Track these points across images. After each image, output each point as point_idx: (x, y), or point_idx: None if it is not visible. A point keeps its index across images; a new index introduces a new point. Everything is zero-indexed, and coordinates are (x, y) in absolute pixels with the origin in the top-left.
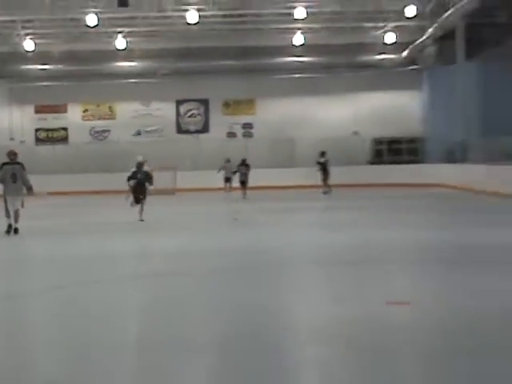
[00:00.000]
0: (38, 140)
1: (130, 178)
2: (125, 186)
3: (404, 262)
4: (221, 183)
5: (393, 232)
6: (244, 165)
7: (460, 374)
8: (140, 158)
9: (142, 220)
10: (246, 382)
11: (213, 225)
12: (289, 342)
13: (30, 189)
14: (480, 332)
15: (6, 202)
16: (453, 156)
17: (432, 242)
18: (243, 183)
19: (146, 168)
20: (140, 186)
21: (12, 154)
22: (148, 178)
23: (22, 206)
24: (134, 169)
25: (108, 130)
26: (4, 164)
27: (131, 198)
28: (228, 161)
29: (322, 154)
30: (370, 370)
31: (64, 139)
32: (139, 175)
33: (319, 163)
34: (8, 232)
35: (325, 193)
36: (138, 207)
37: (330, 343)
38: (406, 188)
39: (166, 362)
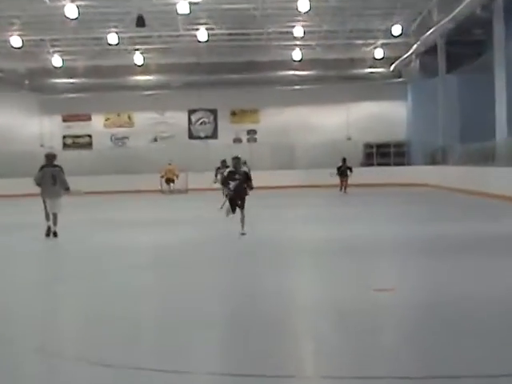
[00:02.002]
0: (65, 146)
1: (226, 181)
2: (145, 185)
3: (390, 252)
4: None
5: (381, 225)
6: (225, 167)
7: (435, 346)
8: (239, 156)
9: (244, 233)
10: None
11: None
12: (290, 315)
13: (67, 189)
14: (459, 310)
15: (45, 204)
16: (434, 159)
17: (415, 234)
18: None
19: (245, 168)
20: (239, 191)
21: (51, 157)
22: (248, 180)
23: (59, 210)
24: (230, 168)
25: (127, 137)
26: (43, 166)
27: (227, 205)
28: (224, 165)
29: (343, 160)
30: (356, 336)
31: (88, 145)
32: (237, 176)
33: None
34: (47, 235)
35: (345, 192)
36: (231, 215)
37: (323, 316)
38: (394, 187)
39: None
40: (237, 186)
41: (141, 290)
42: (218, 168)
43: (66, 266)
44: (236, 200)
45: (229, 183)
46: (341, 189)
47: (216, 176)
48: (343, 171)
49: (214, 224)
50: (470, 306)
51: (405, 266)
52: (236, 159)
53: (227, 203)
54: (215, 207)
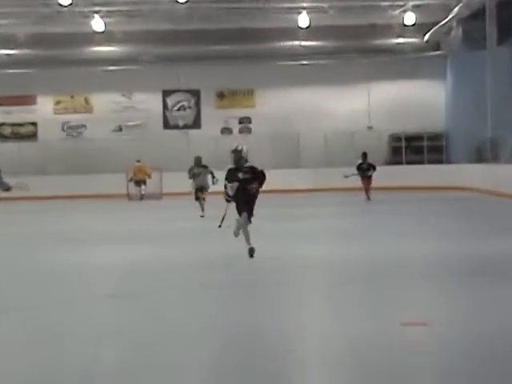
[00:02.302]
0: (2, 136)
1: (227, 182)
2: (108, 188)
3: (423, 277)
4: (212, 186)
5: (412, 242)
6: (201, 166)
7: None
8: (240, 147)
9: (252, 252)
10: None
11: (205, 234)
12: (296, 364)
13: (8, 189)
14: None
15: None
16: (481, 155)
17: (456, 254)
18: (201, 189)
19: (250, 163)
20: (245, 192)
21: None
22: (259, 175)
23: None
24: (230, 165)
25: (83, 126)
26: None
27: (238, 220)
28: (198, 163)
29: (364, 156)
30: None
31: (32, 136)
32: (241, 174)
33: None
34: None
35: (368, 198)
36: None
37: (340, 366)
38: (428, 191)
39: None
40: (242, 188)
41: (105, 327)
42: (191, 169)
43: (6, 294)
44: (243, 204)
45: (229, 187)
46: (366, 193)
47: (191, 179)
48: (365, 170)
49: (199, 239)
50: None
51: (441, 294)
52: (237, 152)
53: (238, 219)
54: (196, 216)
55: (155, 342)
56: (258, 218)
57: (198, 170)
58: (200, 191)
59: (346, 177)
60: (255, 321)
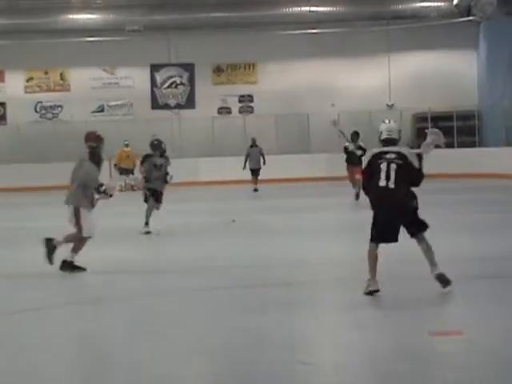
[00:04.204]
0: None
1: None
2: None
3: (456, 279)
4: (209, 175)
5: (441, 238)
6: (161, 155)
7: None
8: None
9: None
10: None
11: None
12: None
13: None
14: None
15: None
16: None
17: (492, 252)
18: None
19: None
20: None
21: None
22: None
23: None
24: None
25: (60, 106)
26: None
27: None
28: (158, 147)
29: (355, 136)
30: None
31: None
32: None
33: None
34: None
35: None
36: None
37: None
38: (458, 179)
39: None
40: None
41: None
42: (147, 156)
43: None
44: None
45: None
46: (354, 185)
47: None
48: (352, 155)
49: (196, 238)
50: None
51: (474, 301)
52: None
53: None
54: (186, 210)
55: (151, 352)
56: (262, 210)
57: (160, 160)
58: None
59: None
60: (260, 328)
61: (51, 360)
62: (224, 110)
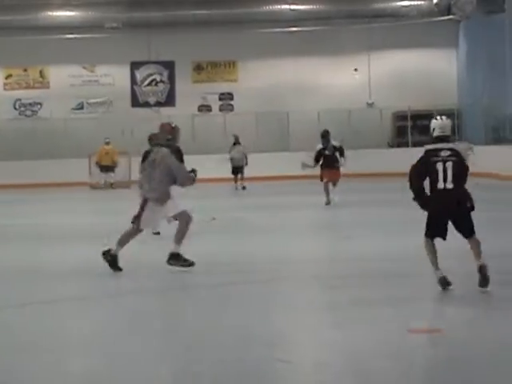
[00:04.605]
0: None
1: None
2: (67, 175)
3: (431, 277)
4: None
5: (418, 236)
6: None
7: None
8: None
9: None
10: None
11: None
12: (288, 376)
13: None
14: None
15: None
16: (500, 135)
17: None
18: None
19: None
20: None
21: None
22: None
23: None
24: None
25: (39, 103)
26: None
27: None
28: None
29: (325, 135)
30: None
31: None
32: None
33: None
34: None
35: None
36: None
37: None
38: None
39: None
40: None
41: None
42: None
43: None
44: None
45: None
46: (327, 195)
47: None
48: (329, 158)
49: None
50: None
51: (453, 299)
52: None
53: None
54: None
55: (125, 352)
56: (241, 208)
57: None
58: None
59: (303, 168)
60: (241, 326)
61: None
62: (204, 108)
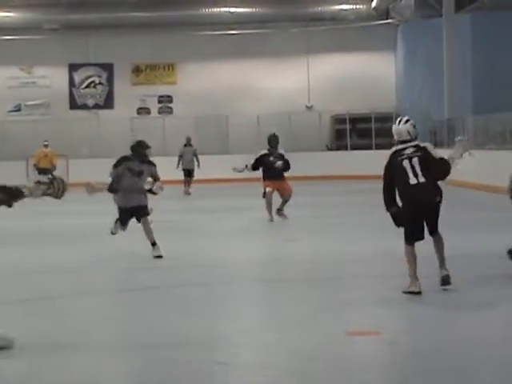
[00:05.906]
0: None
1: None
2: (3, 178)
3: (369, 279)
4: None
5: (355, 238)
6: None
7: None
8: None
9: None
10: None
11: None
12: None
13: None
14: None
15: None
16: (437, 138)
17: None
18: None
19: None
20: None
21: None
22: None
23: None
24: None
25: None
26: None
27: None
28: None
29: (273, 139)
30: None
31: None
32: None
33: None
34: None
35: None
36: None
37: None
38: (376, 180)
39: None
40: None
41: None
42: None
43: None
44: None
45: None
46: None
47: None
48: (271, 167)
49: (115, 238)
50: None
51: (393, 301)
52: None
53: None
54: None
55: (69, 351)
56: (181, 211)
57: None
58: None
59: (235, 170)
60: (180, 328)
61: None
62: (143, 111)
